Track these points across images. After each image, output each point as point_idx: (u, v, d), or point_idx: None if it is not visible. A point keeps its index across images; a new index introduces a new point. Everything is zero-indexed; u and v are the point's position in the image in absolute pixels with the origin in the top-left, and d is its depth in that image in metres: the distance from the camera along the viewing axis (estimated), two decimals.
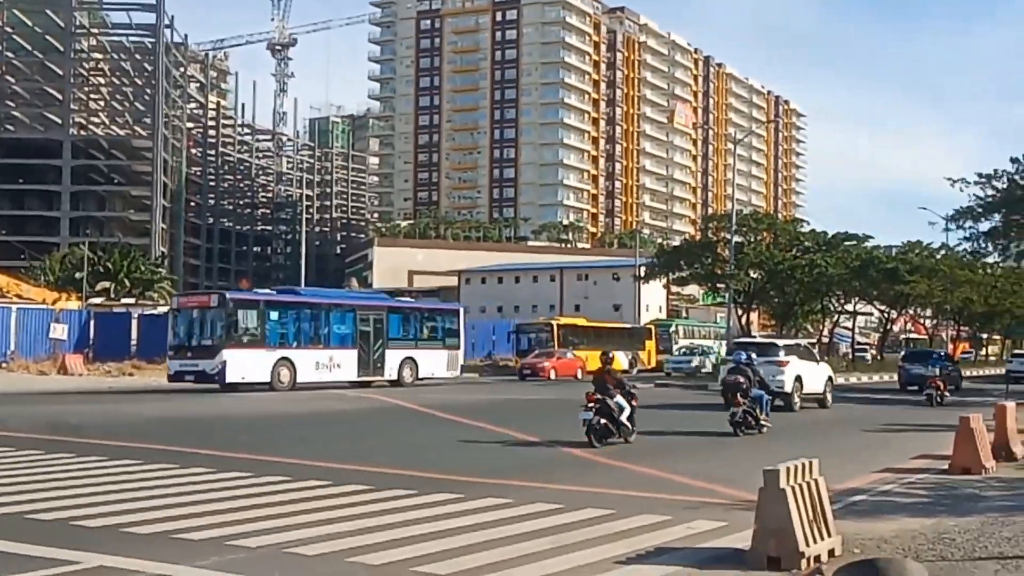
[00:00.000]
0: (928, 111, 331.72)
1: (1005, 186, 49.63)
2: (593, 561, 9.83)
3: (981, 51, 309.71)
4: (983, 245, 56.40)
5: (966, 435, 17.02)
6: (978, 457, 16.92)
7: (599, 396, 20.24)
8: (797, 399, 31.44)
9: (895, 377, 49.66)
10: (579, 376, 56.09)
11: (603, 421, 20.18)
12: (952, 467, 16.98)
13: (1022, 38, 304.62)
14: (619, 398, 20.52)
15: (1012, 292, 77.27)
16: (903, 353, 60.73)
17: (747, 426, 23.06)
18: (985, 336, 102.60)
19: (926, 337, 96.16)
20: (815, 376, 32.83)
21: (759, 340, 36.66)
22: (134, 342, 49.00)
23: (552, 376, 54.09)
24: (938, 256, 69.94)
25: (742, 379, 23.33)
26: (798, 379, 31.50)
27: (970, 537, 11.06)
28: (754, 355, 26.16)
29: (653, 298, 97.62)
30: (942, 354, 54.96)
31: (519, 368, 56.52)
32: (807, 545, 9.51)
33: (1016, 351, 69.77)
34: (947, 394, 36.91)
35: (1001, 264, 72.01)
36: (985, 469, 16.86)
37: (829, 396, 33.69)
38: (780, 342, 33.60)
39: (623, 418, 20.51)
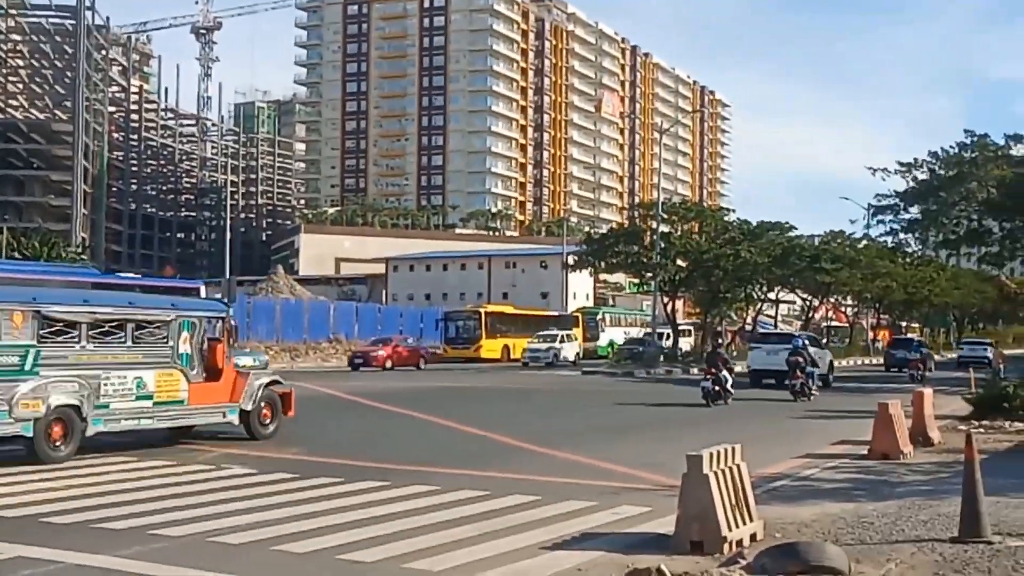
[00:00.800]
0: (848, 103, 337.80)
1: (926, 176, 50.64)
2: (519, 547, 9.88)
3: (898, 45, 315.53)
4: (903, 236, 57.61)
5: (884, 421, 17.37)
6: (896, 443, 17.29)
7: (713, 371, 28.25)
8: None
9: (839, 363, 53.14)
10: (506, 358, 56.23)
11: (716, 388, 27.91)
12: (871, 452, 17.33)
13: (936, 33, 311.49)
14: (724, 372, 28.20)
15: (931, 281, 78.91)
16: (889, 341, 68.05)
17: (803, 393, 30.82)
18: (904, 324, 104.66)
19: (847, 325, 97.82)
20: (823, 360, 39.18)
21: (785, 332, 45.72)
22: None
23: (388, 365, 49.74)
24: (859, 246, 71.14)
25: (801, 359, 31.09)
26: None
27: (888, 521, 11.30)
28: (805, 342, 34.37)
29: (580, 286, 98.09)
30: (921, 341, 61.99)
31: (351, 358, 50.93)
32: (729, 529, 9.65)
33: (966, 339, 73.42)
34: (927, 373, 42.31)
35: (920, 254, 73.55)
36: (903, 454, 17.23)
37: (831, 376, 39.61)
38: (802, 334, 40.79)
39: (728, 386, 28.40)
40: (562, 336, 61.44)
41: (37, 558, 9.01)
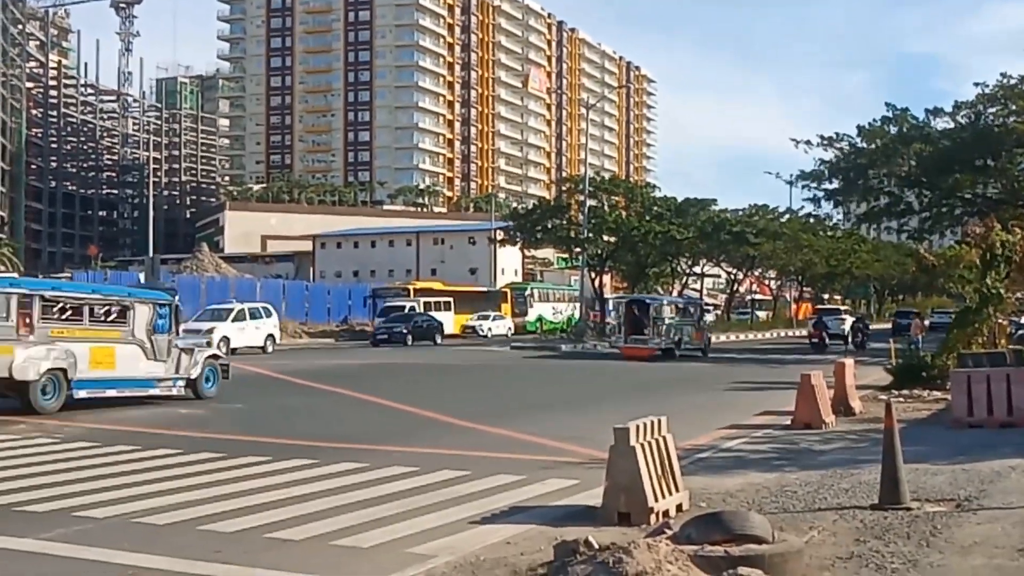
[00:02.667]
0: (768, 78, 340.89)
1: (848, 149, 51.39)
2: (448, 522, 9.92)
3: (815, 19, 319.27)
4: (825, 208, 58.48)
5: (807, 392, 17.68)
6: (818, 413, 17.61)
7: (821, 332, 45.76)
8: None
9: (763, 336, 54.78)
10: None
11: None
12: (794, 423, 17.63)
13: (852, 8, 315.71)
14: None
15: (852, 253, 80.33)
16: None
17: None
18: (827, 296, 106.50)
19: (771, 298, 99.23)
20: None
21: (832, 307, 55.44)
22: None
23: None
24: (782, 220, 72.15)
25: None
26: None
27: (811, 489, 11.53)
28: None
29: (509, 262, 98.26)
30: (863, 315, 72.02)
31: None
32: (656, 500, 9.77)
33: (901, 309, 76.82)
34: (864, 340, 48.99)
35: (842, 227, 74.77)
36: (825, 424, 17.56)
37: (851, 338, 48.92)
38: (842, 308, 51.33)
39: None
40: (493, 316, 62.21)
41: None
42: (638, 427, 9.85)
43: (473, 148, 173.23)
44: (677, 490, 10.27)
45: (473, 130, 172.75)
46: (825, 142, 51.49)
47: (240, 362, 35.42)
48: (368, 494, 11.25)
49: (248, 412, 20.25)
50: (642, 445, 9.80)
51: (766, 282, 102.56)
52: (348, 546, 9.05)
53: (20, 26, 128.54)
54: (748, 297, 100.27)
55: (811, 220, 68.22)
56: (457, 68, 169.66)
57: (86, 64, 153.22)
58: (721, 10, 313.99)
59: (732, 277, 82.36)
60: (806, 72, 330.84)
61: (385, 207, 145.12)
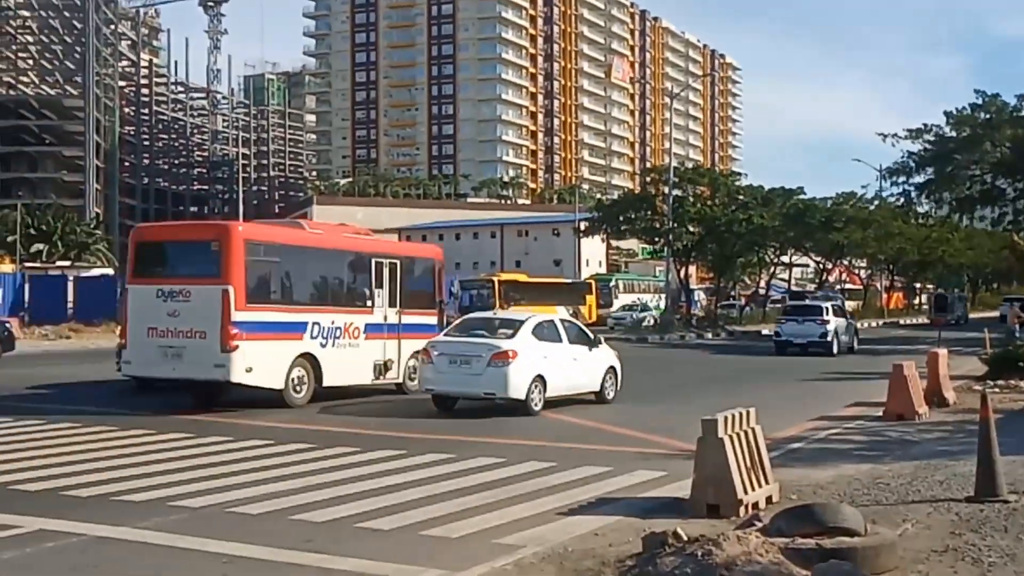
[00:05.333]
0: (856, 63, 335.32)
1: (933, 139, 50.36)
2: (535, 513, 9.94)
3: (902, 4, 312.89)
4: (916, 198, 57.33)
5: (899, 382, 17.38)
6: (911, 404, 17.30)
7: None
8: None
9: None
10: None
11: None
12: (886, 414, 17.35)
13: None
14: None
15: (945, 241, 78.57)
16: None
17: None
18: (919, 286, 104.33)
19: (861, 287, 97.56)
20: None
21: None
22: (71, 305, 48.30)
23: None
24: (872, 207, 70.83)
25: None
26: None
27: (903, 482, 11.33)
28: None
29: (593, 253, 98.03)
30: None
31: None
32: (745, 492, 9.69)
33: (1007, 296, 73.32)
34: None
35: (933, 215, 73.16)
36: (918, 415, 17.24)
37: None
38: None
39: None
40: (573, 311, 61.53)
41: (59, 531, 9.09)
42: (726, 419, 9.78)
43: (556, 139, 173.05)
44: (767, 482, 10.18)
45: (556, 121, 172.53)
46: (912, 134, 50.51)
47: None
48: (455, 485, 11.32)
49: (336, 404, 20.41)
50: (731, 437, 9.73)
51: (856, 271, 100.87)
52: (437, 536, 9.12)
53: (112, 26, 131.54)
54: (838, 287, 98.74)
55: (901, 208, 66.93)
56: (540, 59, 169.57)
57: (176, 62, 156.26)
58: None
59: (821, 266, 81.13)
60: (894, 57, 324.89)
61: (469, 200, 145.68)
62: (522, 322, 19.11)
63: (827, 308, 39.26)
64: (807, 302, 44.48)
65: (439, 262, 23.97)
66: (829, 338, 37.23)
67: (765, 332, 49.16)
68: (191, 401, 19.06)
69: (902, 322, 69.19)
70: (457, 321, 21.27)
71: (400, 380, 21.88)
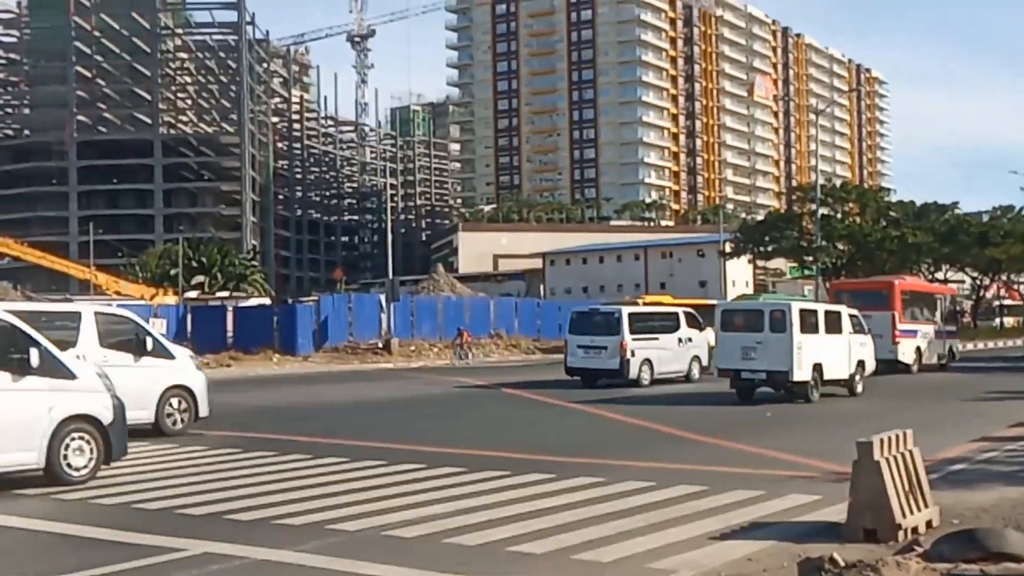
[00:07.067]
0: (1007, 71, 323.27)
1: None
2: (687, 537, 9.88)
3: None
4: None
5: None
6: None
7: None
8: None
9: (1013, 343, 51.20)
10: None
11: None
12: None
13: None
14: None
15: None
16: None
17: None
18: None
19: (1022, 303, 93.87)
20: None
21: None
22: (230, 334, 49.84)
23: None
24: None
25: None
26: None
27: None
28: None
29: (739, 274, 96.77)
30: None
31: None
32: (904, 517, 9.45)
33: None
34: None
35: None
36: None
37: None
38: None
39: None
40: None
41: (223, 554, 9.42)
42: (882, 440, 9.56)
43: (699, 160, 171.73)
44: (926, 506, 9.90)
45: (699, 142, 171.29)
46: None
47: (480, 378, 36.26)
48: (605, 509, 11.32)
49: (479, 428, 20.59)
50: (887, 459, 9.50)
51: (1015, 287, 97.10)
52: (588, 560, 9.14)
53: (264, 64, 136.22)
54: (996, 303, 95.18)
55: None
56: (680, 80, 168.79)
57: (325, 97, 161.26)
58: (952, 2, 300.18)
59: (977, 283, 78.40)
60: None
61: (612, 223, 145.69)
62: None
63: None
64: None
65: None
66: None
67: None
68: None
69: None
70: None
71: None
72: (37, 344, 12.53)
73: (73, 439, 12.89)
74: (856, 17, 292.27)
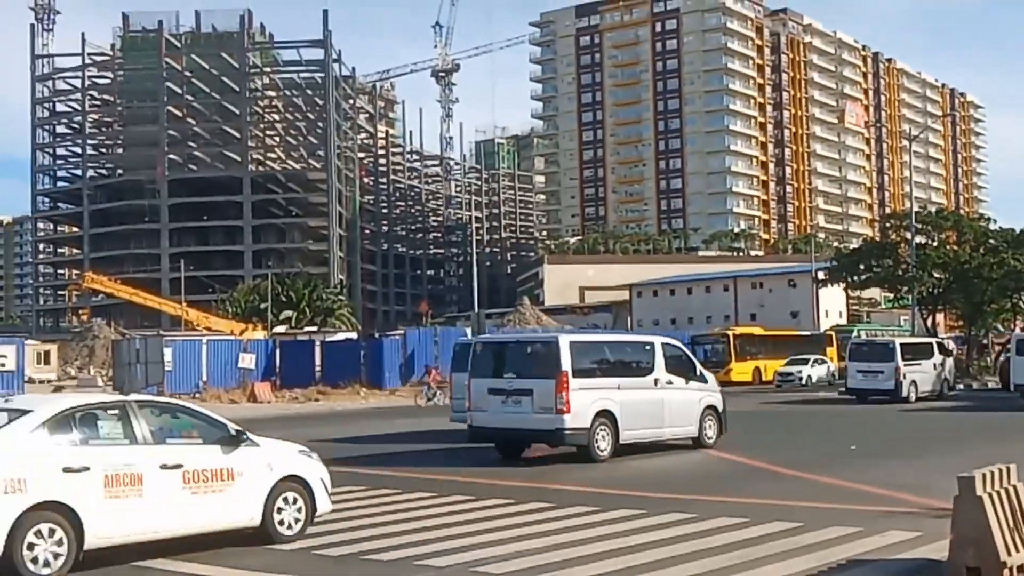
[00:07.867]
0: None
1: None
2: (786, 574, 9.65)
3: None
4: None
5: None
6: None
7: None
8: None
9: None
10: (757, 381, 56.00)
11: None
12: None
13: None
14: None
15: None
16: None
17: None
18: None
19: None
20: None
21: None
22: (318, 368, 50.34)
23: None
24: None
25: None
26: None
27: None
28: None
29: (832, 304, 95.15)
30: None
31: None
32: (1009, 554, 9.11)
33: None
34: None
35: None
36: None
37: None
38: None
39: None
40: (813, 360, 58.85)
41: None
42: (984, 475, 9.23)
43: (789, 188, 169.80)
44: None
45: (788, 170, 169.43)
46: None
47: None
48: (699, 546, 11.12)
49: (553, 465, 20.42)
50: (990, 495, 9.17)
51: None
52: None
53: (351, 101, 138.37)
54: None
55: None
56: (769, 108, 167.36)
57: (410, 132, 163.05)
58: None
59: None
60: None
61: (700, 253, 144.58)
62: None
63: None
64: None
65: None
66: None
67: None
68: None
69: None
70: None
71: None
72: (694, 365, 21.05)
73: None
74: (949, 41, 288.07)
